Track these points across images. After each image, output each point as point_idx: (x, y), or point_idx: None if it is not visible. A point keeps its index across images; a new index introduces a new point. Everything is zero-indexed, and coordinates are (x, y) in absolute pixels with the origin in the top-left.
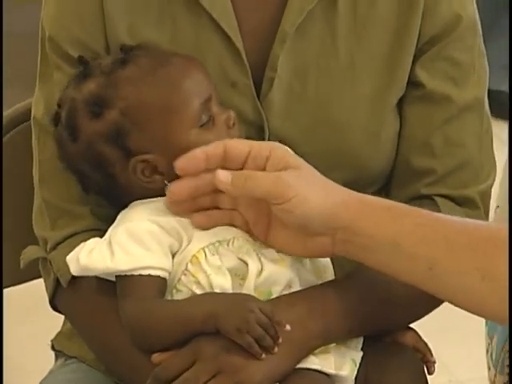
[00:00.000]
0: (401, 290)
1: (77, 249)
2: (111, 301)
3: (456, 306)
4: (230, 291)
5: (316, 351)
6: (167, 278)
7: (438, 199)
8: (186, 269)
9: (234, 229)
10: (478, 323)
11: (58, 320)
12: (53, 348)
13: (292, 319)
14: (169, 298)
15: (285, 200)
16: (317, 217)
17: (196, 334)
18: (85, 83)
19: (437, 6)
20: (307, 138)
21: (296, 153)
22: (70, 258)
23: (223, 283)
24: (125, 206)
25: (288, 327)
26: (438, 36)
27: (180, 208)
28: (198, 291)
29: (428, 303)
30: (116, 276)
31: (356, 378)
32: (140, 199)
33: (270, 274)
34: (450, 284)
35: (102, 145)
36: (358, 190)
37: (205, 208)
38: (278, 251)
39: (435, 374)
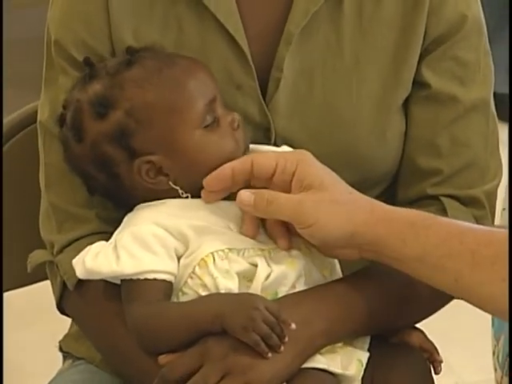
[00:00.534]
0: (407, 289)
1: (83, 252)
2: (118, 303)
3: (485, 311)
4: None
5: (323, 351)
6: (173, 281)
7: (444, 199)
8: (193, 272)
9: (246, 239)
10: (484, 325)
11: (63, 323)
12: (60, 349)
13: (297, 318)
14: (175, 300)
15: (305, 226)
16: (338, 238)
17: (203, 335)
18: (90, 84)
19: (442, 6)
20: (313, 138)
21: None
22: (76, 262)
23: (230, 286)
24: (130, 209)
25: (293, 326)
26: (443, 36)
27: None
28: (204, 294)
29: (435, 302)
30: (121, 280)
31: (362, 379)
32: (145, 201)
33: (278, 276)
34: (476, 293)
35: (107, 145)
36: (365, 190)
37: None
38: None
39: (441, 376)
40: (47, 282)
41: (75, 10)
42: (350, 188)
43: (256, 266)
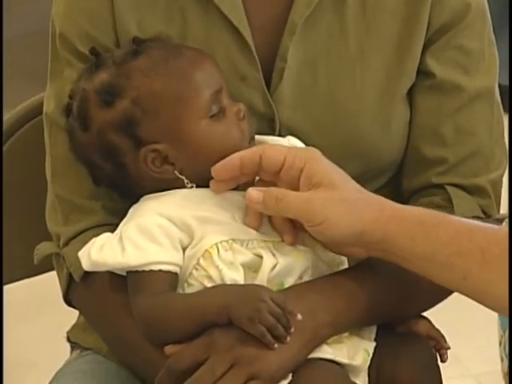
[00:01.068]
0: (412, 280)
1: (88, 244)
2: (124, 295)
3: (493, 310)
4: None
5: (329, 341)
6: (178, 272)
7: (449, 188)
8: (198, 263)
9: (250, 230)
10: (491, 316)
11: (69, 314)
12: (68, 340)
13: (303, 309)
14: (180, 291)
15: (314, 224)
16: (347, 236)
17: (209, 326)
18: (97, 74)
19: None
20: (318, 128)
21: (307, 144)
22: (82, 254)
23: (235, 277)
24: (136, 200)
25: (299, 316)
26: (447, 24)
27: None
28: (210, 285)
29: (439, 292)
30: (127, 271)
31: (369, 368)
32: (151, 191)
33: (284, 267)
34: (485, 292)
35: (113, 134)
36: (370, 180)
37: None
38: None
39: (448, 367)
40: (52, 274)
41: (79, 2)
42: (359, 186)
43: (261, 257)
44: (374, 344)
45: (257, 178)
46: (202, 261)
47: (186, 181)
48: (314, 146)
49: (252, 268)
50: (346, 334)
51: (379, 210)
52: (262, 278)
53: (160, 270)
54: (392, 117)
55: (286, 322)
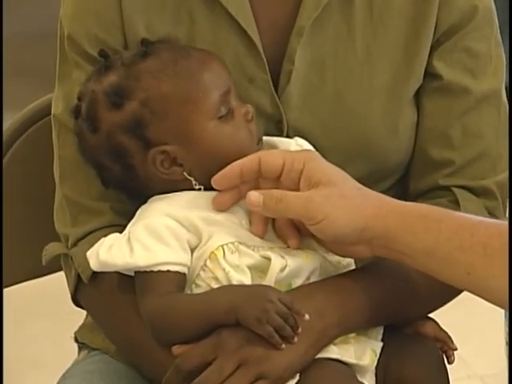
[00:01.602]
0: (421, 280)
1: (96, 245)
2: (132, 295)
3: (496, 305)
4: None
5: (336, 341)
6: (186, 273)
7: (456, 190)
8: (205, 265)
9: (256, 238)
10: (497, 318)
11: (76, 315)
12: (76, 340)
13: (310, 309)
14: (188, 292)
15: (315, 222)
16: (349, 233)
17: (216, 327)
18: (106, 75)
19: None
20: (325, 130)
21: (315, 146)
22: (90, 254)
23: (242, 279)
24: (144, 201)
25: (307, 317)
26: (454, 26)
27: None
28: (217, 287)
29: (448, 293)
30: (135, 272)
31: (376, 368)
32: (159, 192)
33: (294, 269)
34: (487, 287)
35: (122, 136)
36: (377, 182)
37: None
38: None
39: (453, 368)
40: (60, 274)
41: (87, 4)
42: (358, 184)
43: (269, 259)
44: (381, 344)
45: None
46: (208, 262)
47: (194, 182)
48: (321, 148)
49: (259, 269)
50: (352, 335)
51: (379, 206)
52: (270, 279)
53: (168, 271)
54: (399, 118)
55: (294, 322)
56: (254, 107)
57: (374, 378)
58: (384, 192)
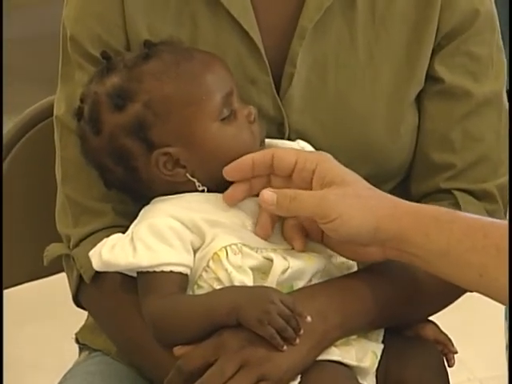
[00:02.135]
0: (425, 280)
1: (99, 244)
2: (134, 296)
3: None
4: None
5: (337, 343)
6: (189, 273)
7: (456, 193)
8: (208, 265)
9: (259, 239)
10: (497, 321)
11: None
12: (77, 341)
13: (312, 311)
14: (190, 293)
15: (329, 220)
16: (362, 232)
17: (218, 328)
18: (108, 77)
19: (455, 1)
20: (327, 133)
21: (316, 148)
22: (93, 254)
23: (244, 280)
24: (147, 202)
25: (309, 318)
26: (456, 30)
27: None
28: (219, 287)
29: (452, 293)
30: (138, 272)
31: (377, 371)
32: (162, 194)
33: (296, 271)
34: (499, 288)
35: (125, 138)
36: (378, 184)
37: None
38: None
39: (453, 372)
40: (61, 276)
41: (90, 6)
42: (370, 185)
43: (271, 260)
44: (381, 346)
45: None
46: (211, 263)
47: (197, 184)
48: (322, 150)
49: (261, 271)
50: (353, 337)
51: (393, 207)
52: (271, 281)
53: (171, 271)
54: (401, 121)
55: (296, 323)
56: (256, 109)
57: (375, 381)
58: None
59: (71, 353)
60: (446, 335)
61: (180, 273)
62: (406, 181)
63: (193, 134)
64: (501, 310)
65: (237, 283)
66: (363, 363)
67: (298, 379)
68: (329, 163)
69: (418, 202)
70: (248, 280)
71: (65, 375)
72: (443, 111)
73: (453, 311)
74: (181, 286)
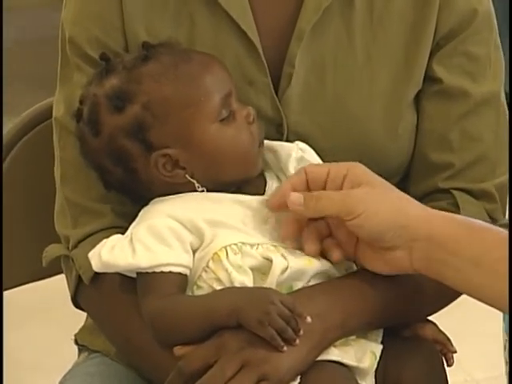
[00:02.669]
0: (420, 283)
1: (98, 245)
2: (133, 297)
3: None
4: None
5: (336, 343)
6: (188, 274)
7: (455, 193)
8: (207, 266)
9: (259, 234)
10: (494, 321)
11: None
12: (76, 342)
13: (312, 312)
14: (189, 293)
15: (355, 216)
16: (388, 229)
17: (218, 328)
18: (107, 79)
19: (453, 0)
20: (325, 133)
21: (315, 148)
22: (92, 255)
23: (244, 280)
24: (146, 203)
25: (309, 319)
26: (454, 30)
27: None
28: (219, 288)
29: (444, 296)
30: (137, 273)
31: (376, 371)
32: (162, 195)
33: (295, 271)
34: None
35: (124, 139)
36: None
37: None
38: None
39: (451, 372)
40: (59, 277)
41: (88, 7)
42: (400, 191)
43: (270, 260)
44: (380, 346)
45: None
46: (211, 263)
47: (197, 185)
48: (321, 150)
49: (261, 270)
50: (353, 337)
51: (423, 209)
52: (271, 281)
53: (170, 272)
54: (399, 122)
55: (296, 324)
56: (255, 110)
57: (374, 381)
58: None
59: (70, 354)
60: (445, 335)
61: (179, 273)
62: (405, 181)
63: (192, 136)
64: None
65: (237, 283)
66: (362, 363)
67: (298, 380)
68: (359, 168)
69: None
70: (248, 280)
71: (64, 376)
72: (441, 111)
73: (450, 312)
74: (180, 287)
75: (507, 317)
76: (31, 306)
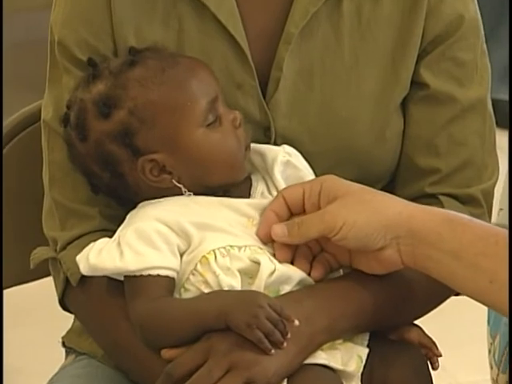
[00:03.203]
0: (407, 286)
1: (86, 248)
2: (120, 300)
3: None
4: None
5: (323, 347)
6: (176, 277)
7: (442, 198)
8: (195, 269)
9: (247, 236)
10: (479, 325)
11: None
12: (63, 345)
13: (299, 315)
14: (177, 296)
15: (336, 231)
16: (371, 233)
17: (206, 331)
18: (94, 84)
19: (440, 6)
20: (313, 137)
21: (302, 152)
22: (80, 258)
23: (232, 283)
24: (134, 207)
25: (296, 322)
26: (441, 36)
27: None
28: (207, 290)
29: (433, 299)
30: (124, 276)
31: (362, 374)
32: (149, 199)
33: (282, 274)
34: (506, 298)
35: (111, 144)
36: None
37: None
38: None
39: (435, 377)
40: (47, 279)
41: (77, 10)
42: (377, 191)
43: (258, 263)
44: (367, 350)
45: None
46: (199, 266)
47: (183, 189)
48: (308, 154)
49: (248, 274)
50: (339, 341)
51: (402, 206)
52: (259, 284)
53: (158, 275)
54: (386, 126)
55: (283, 327)
56: (242, 114)
57: None
58: None
59: (58, 356)
60: (431, 338)
61: (167, 276)
62: (391, 185)
63: (178, 141)
64: (484, 314)
65: (224, 286)
66: (349, 367)
67: (285, 382)
68: (331, 181)
69: None
70: (236, 282)
71: (51, 379)
72: (428, 116)
73: (435, 316)
74: (168, 290)
75: (492, 321)
76: (18, 308)
